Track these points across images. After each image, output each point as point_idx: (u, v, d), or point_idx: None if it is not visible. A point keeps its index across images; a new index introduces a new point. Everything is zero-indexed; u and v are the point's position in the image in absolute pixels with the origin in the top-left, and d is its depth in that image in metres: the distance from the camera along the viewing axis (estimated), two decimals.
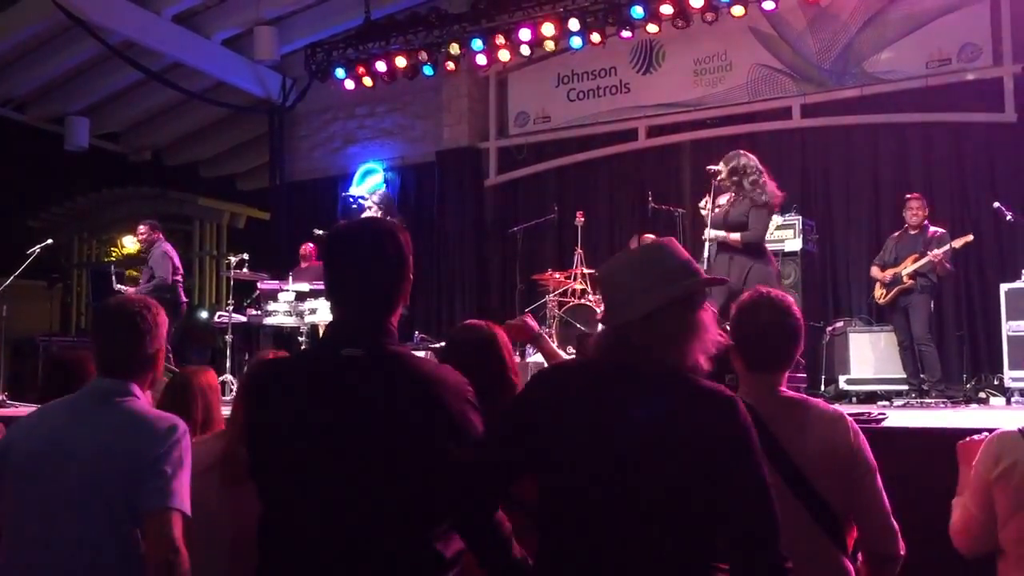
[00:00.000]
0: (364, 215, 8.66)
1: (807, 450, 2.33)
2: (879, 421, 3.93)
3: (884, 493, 2.37)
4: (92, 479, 2.27)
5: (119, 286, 8.34)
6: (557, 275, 8.99)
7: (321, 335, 2.30)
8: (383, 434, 1.90)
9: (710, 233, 6.11)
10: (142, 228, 8.70)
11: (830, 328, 8.25)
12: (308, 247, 9.52)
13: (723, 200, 6.20)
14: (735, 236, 6.02)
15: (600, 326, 2.01)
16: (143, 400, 2.45)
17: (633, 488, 1.81)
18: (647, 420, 1.82)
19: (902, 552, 2.38)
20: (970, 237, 7.37)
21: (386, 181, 11.60)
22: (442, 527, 1.95)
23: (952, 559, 2.47)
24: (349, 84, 10.75)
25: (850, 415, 2.48)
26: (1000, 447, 2.33)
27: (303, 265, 9.28)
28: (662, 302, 1.88)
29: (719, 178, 6.16)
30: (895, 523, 2.38)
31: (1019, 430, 2.33)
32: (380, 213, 7.42)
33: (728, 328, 2.55)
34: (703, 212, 6.29)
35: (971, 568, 2.48)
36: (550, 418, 1.92)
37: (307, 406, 1.95)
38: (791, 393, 2.53)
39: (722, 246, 6.12)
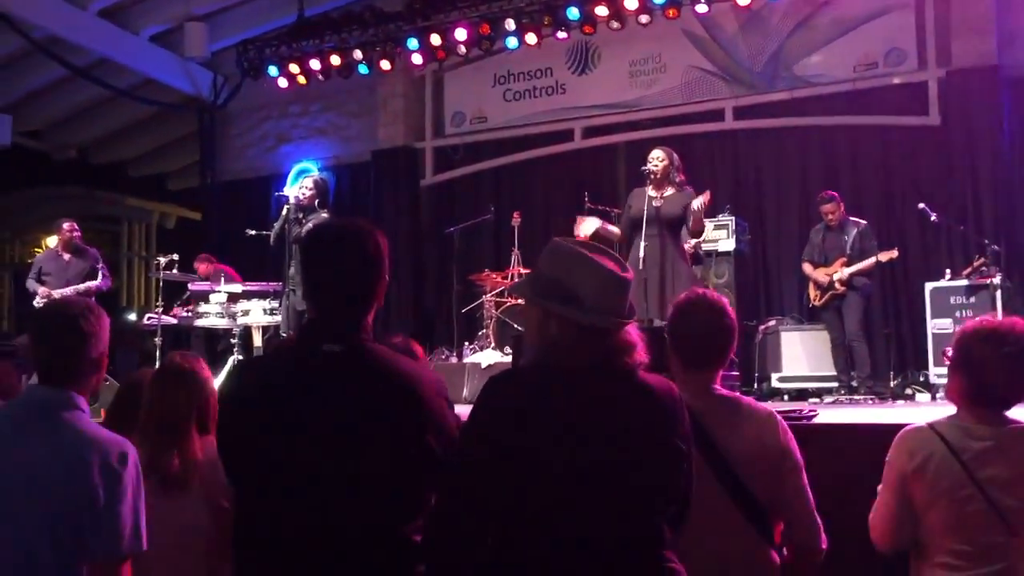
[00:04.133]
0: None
1: (739, 447, 2.38)
2: (810, 418, 4.04)
3: (809, 489, 2.45)
4: (38, 507, 2.12)
5: (37, 286, 8.07)
6: (494, 275, 8.98)
7: (298, 333, 2.31)
8: (365, 427, 1.94)
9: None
10: (75, 224, 8.45)
11: (763, 327, 8.38)
12: (201, 264, 9.17)
13: (654, 192, 6.02)
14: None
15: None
16: (87, 415, 2.29)
17: (618, 485, 1.85)
18: (633, 419, 1.90)
19: (824, 545, 2.45)
20: (895, 253, 7.47)
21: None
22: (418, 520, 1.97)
23: (871, 552, 2.55)
24: (282, 82, 10.59)
25: (783, 412, 2.54)
26: (913, 442, 2.43)
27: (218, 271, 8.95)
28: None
29: (664, 168, 6.02)
30: (818, 517, 2.46)
31: (928, 424, 2.43)
32: (313, 197, 7.08)
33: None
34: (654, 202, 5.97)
35: (889, 561, 2.57)
36: (531, 437, 1.86)
37: (289, 402, 1.98)
38: (725, 391, 2.57)
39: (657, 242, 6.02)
